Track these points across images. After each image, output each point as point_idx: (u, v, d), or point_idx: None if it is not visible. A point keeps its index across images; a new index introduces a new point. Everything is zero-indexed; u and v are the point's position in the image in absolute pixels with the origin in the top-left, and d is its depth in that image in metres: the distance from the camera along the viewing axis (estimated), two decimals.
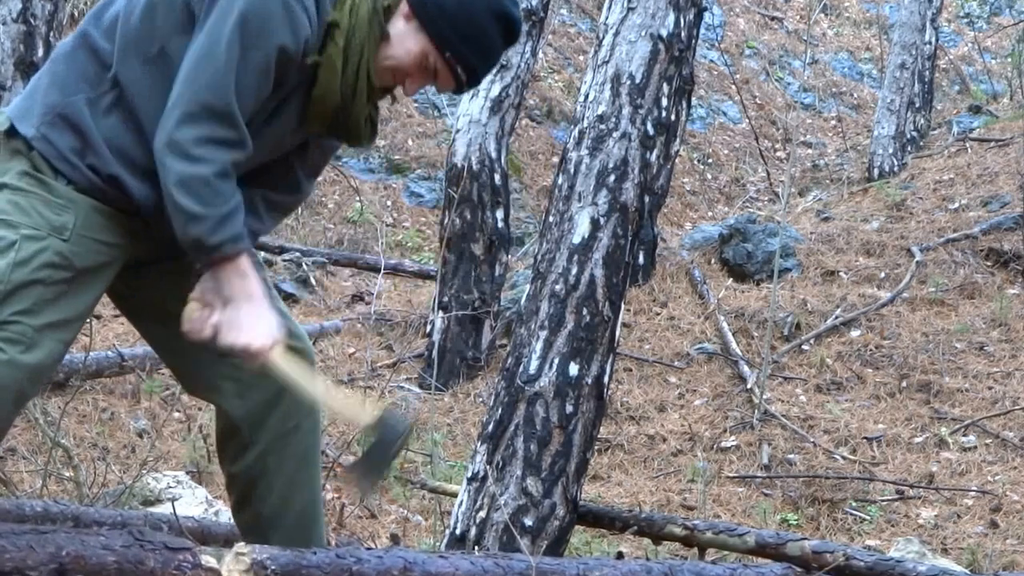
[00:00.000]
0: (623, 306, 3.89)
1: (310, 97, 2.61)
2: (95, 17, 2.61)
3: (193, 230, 2.46)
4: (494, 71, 7.24)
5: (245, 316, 2.53)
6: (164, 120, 2.45)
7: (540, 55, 11.53)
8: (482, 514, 3.68)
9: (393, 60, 2.62)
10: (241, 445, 2.79)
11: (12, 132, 2.55)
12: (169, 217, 2.54)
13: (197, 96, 2.43)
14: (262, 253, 8.91)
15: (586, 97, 3.91)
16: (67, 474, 4.57)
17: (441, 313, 7.19)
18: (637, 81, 3.86)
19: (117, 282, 2.67)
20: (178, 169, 2.43)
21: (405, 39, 2.61)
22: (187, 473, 4.92)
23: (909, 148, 11.97)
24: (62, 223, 2.50)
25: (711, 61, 14.71)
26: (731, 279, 8.50)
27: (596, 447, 4.50)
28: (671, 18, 3.92)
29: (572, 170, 3.85)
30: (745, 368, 7.04)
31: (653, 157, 3.94)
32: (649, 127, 3.87)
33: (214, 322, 2.55)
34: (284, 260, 8.74)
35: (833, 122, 14.54)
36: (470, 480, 3.77)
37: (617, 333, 3.84)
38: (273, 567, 2.48)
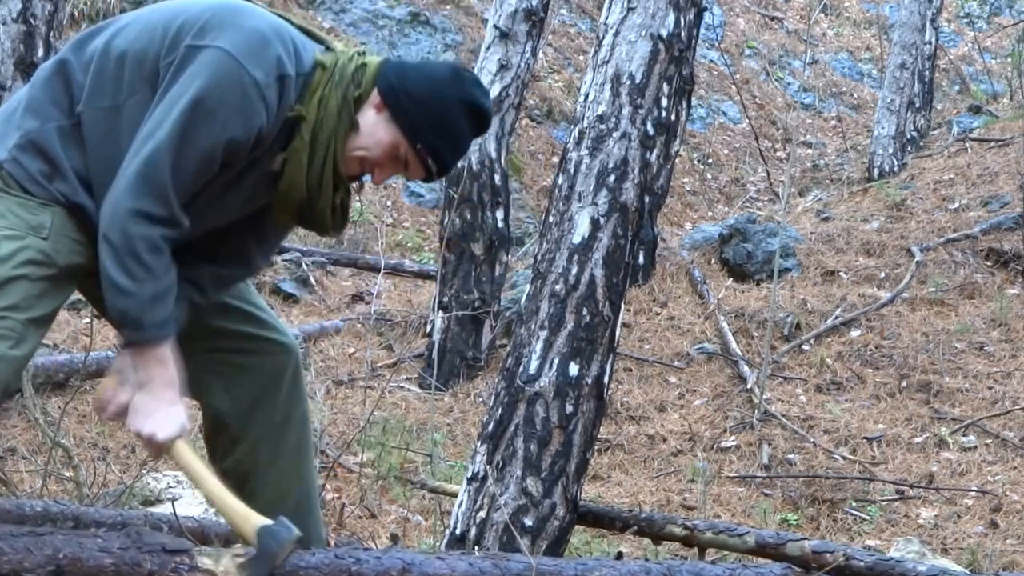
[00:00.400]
0: (623, 306, 3.88)
1: (269, 182, 2.61)
2: (77, 47, 2.63)
3: (120, 304, 2.49)
4: (494, 71, 7.25)
5: (155, 404, 2.54)
6: (113, 187, 2.48)
7: (540, 55, 11.53)
8: (482, 514, 3.68)
9: (363, 151, 2.62)
10: (230, 440, 2.79)
11: None
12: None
13: (139, 168, 2.45)
14: None
15: (586, 97, 3.91)
16: (67, 474, 4.56)
17: (441, 313, 7.19)
18: (637, 81, 3.86)
19: (94, 286, 2.67)
20: (113, 241, 2.46)
21: (376, 130, 2.60)
22: None
23: (909, 148, 11.97)
24: (39, 222, 2.52)
25: (711, 61, 14.71)
26: (731, 279, 8.49)
27: (596, 447, 4.50)
28: (671, 18, 3.91)
29: (572, 170, 3.84)
30: (745, 368, 7.03)
31: (653, 157, 3.94)
32: (649, 127, 3.87)
33: (123, 402, 2.57)
34: (284, 260, 8.74)
35: (833, 122, 14.53)
36: (470, 480, 3.77)
37: (617, 333, 3.83)
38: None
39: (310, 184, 2.60)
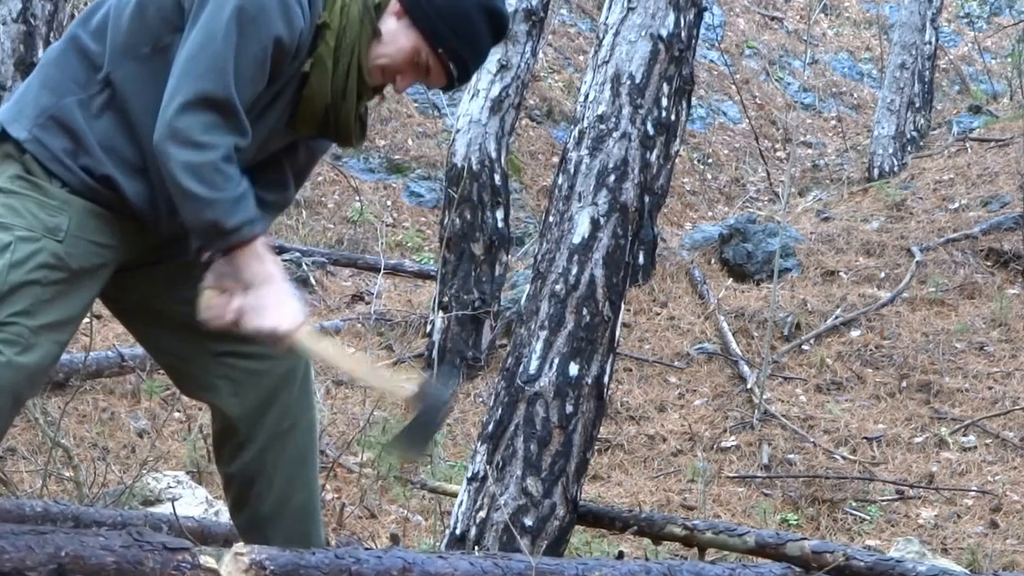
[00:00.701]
0: (623, 306, 3.89)
1: (300, 96, 2.61)
2: (84, 20, 2.61)
3: (208, 215, 2.45)
4: (494, 71, 7.25)
5: (268, 299, 2.51)
6: (163, 112, 2.43)
7: (540, 55, 11.52)
8: (482, 514, 3.68)
9: (385, 58, 2.63)
10: (237, 444, 2.79)
11: (3, 136, 2.55)
12: (163, 215, 2.54)
13: (196, 85, 2.42)
14: None
15: (586, 97, 3.91)
16: (67, 474, 4.57)
17: (441, 313, 7.19)
18: (637, 81, 3.86)
19: (108, 284, 2.66)
20: (184, 157, 2.42)
21: (397, 36, 2.62)
22: (187, 473, 4.92)
23: (909, 148, 11.97)
24: (56, 224, 2.49)
25: (711, 61, 14.71)
26: (731, 279, 8.50)
27: (596, 447, 4.50)
28: (671, 18, 3.92)
29: (572, 170, 3.85)
30: (745, 368, 7.03)
31: (653, 157, 3.94)
32: (649, 127, 3.87)
33: (236, 307, 2.53)
34: (284, 260, 8.73)
35: (833, 122, 14.53)
36: (470, 480, 3.77)
37: (617, 333, 3.84)
38: (272, 567, 2.48)
39: (335, 90, 2.61)
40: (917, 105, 12.27)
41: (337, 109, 2.63)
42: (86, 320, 6.27)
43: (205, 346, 2.70)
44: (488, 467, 3.70)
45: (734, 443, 6.29)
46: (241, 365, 2.74)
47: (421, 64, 2.64)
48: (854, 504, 5.62)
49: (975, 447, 6.17)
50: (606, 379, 3.81)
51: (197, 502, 4.47)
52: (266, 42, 2.47)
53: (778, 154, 13.67)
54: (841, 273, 8.46)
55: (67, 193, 2.52)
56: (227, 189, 2.44)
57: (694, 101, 11.29)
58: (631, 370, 7.20)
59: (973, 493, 5.66)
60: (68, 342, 2.57)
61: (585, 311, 3.75)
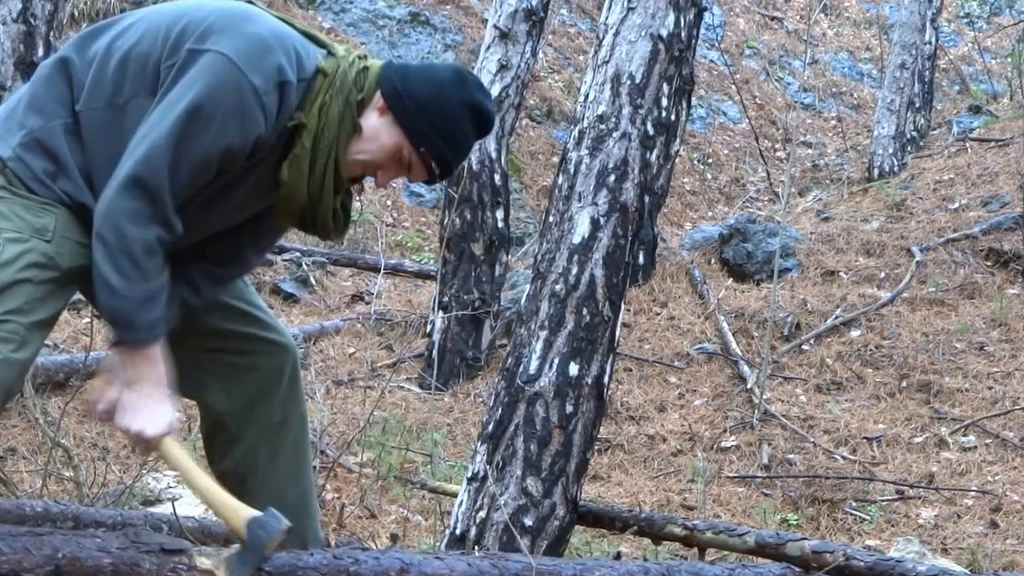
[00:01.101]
0: (623, 306, 3.88)
1: (264, 188, 2.62)
2: (80, 45, 2.63)
3: (112, 304, 2.50)
4: (494, 71, 7.25)
5: (143, 402, 2.54)
6: (107, 187, 2.48)
7: (540, 55, 11.52)
8: (482, 514, 3.68)
9: (366, 154, 2.62)
10: (228, 441, 2.79)
11: None
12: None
13: (134, 169, 2.45)
14: None
15: (586, 97, 3.91)
16: (67, 474, 4.57)
17: (441, 313, 7.19)
18: (637, 81, 3.86)
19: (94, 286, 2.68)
20: (109, 239, 2.46)
21: (379, 133, 2.61)
22: None
23: (909, 148, 11.97)
24: (43, 224, 2.52)
25: (711, 61, 14.71)
26: (731, 279, 8.49)
27: (596, 447, 4.50)
28: (671, 18, 3.91)
29: (572, 170, 3.84)
30: (745, 368, 7.03)
31: (653, 157, 3.94)
32: (649, 127, 3.87)
33: (112, 400, 2.57)
34: (284, 260, 8.74)
35: (833, 122, 14.53)
36: (470, 480, 3.76)
37: (617, 333, 3.83)
38: (269, 568, 2.48)
39: (312, 191, 2.61)
40: (917, 105, 12.27)
41: (315, 208, 2.64)
42: (86, 320, 6.27)
43: (193, 344, 2.72)
44: (488, 467, 3.70)
45: (734, 443, 6.28)
46: (230, 361, 2.76)
47: (403, 160, 2.63)
48: (854, 504, 5.62)
49: (975, 447, 6.17)
50: (606, 379, 3.81)
51: (197, 502, 4.46)
52: (213, 146, 2.48)
53: (778, 154, 13.67)
54: (841, 273, 8.45)
55: (49, 202, 2.55)
56: (137, 286, 2.47)
57: (694, 101, 11.29)
58: (631, 370, 7.20)
59: (973, 493, 5.66)
60: (46, 339, 2.61)
61: (585, 311, 3.75)
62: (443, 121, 2.59)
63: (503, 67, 7.24)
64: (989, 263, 8.49)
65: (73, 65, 2.59)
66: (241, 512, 2.53)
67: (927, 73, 12.52)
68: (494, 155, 7.28)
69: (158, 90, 2.50)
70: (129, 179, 2.45)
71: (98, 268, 2.47)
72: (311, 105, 2.57)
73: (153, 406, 2.55)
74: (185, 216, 2.54)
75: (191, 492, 2.70)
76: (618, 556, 3.62)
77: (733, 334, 7.49)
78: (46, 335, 2.55)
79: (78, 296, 2.78)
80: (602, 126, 3.84)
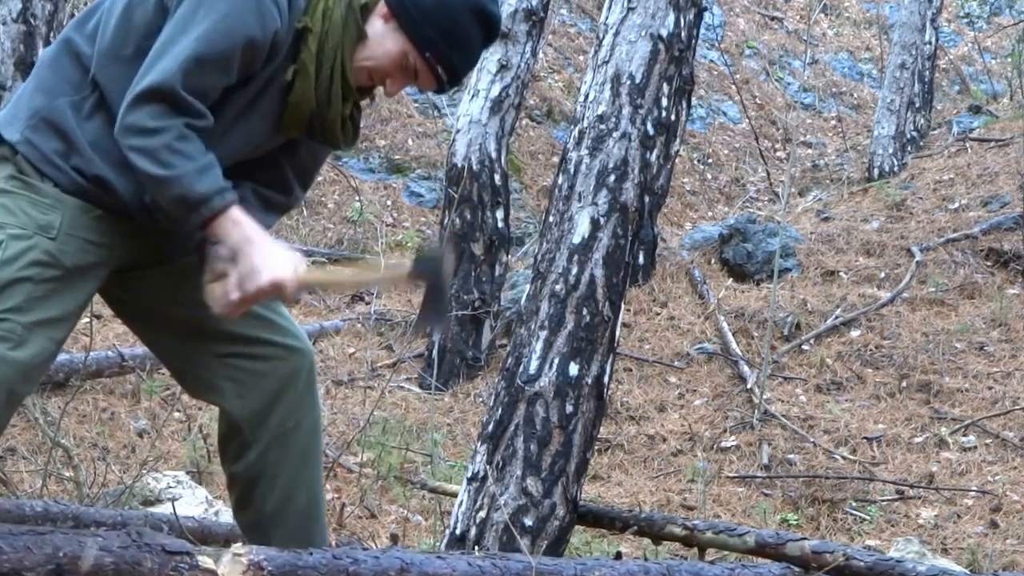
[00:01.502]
0: (623, 306, 3.89)
1: (286, 102, 2.60)
2: (79, 24, 2.62)
3: (173, 191, 2.45)
4: (494, 71, 7.25)
5: (256, 259, 2.50)
6: (120, 110, 2.46)
7: (540, 55, 11.52)
8: (482, 514, 3.68)
9: (371, 61, 2.60)
10: (242, 444, 2.79)
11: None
12: (154, 211, 2.54)
13: (146, 81, 2.43)
14: None
15: (586, 97, 3.91)
16: (67, 474, 4.57)
17: None
18: (637, 81, 3.86)
19: (112, 286, 2.68)
20: (138, 144, 2.43)
21: (384, 39, 2.59)
22: (187, 473, 4.92)
23: (909, 148, 11.96)
24: (48, 222, 2.50)
25: (711, 61, 14.70)
26: (731, 279, 8.49)
27: (596, 447, 4.50)
28: (671, 18, 3.91)
29: (572, 170, 3.85)
30: (745, 368, 7.03)
31: (653, 157, 3.94)
32: (649, 127, 3.87)
33: (234, 282, 2.52)
34: None
35: (833, 122, 14.53)
36: (470, 480, 3.77)
37: (617, 333, 3.84)
38: (270, 568, 2.48)
39: (319, 95, 2.59)
40: (917, 105, 12.27)
41: (323, 114, 2.62)
42: (85, 320, 6.28)
43: (209, 348, 2.71)
44: (488, 467, 3.70)
45: (734, 443, 6.28)
46: (245, 366, 2.74)
47: (409, 67, 2.61)
48: (854, 504, 5.62)
49: (975, 447, 6.17)
50: (606, 379, 3.81)
51: (197, 502, 4.47)
52: (236, 40, 2.46)
53: (778, 154, 13.66)
54: (841, 273, 8.45)
55: (60, 192, 2.53)
56: (184, 165, 2.43)
57: (694, 101, 11.29)
58: (631, 370, 7.20)
59: (973, 493, 5.66)
60: (64, 339, 2.57)
61: (585, 311, 3.75)
62: (448, 25, 2.56)
63: (503, 67, 7.24)
64: (989, 263, 8.49)
65: (76, 43, 2.58)
66: (401, 265, 2.61)
67: (927, 73, 12.52)
68: (494, 155, 7.28)
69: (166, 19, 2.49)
70: (143, 90, 2.43)
71: (141, 170, 2.44)
72: (315, 8, 2.55)
73: (269, 254, 2.50)
74: (218, 133, 2.52)
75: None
76: (618, 556, 3.62)
77: (733, 334, 7.49)
78: (57, 336, 2.51)
79: None
80: (602, 126, 3.84)
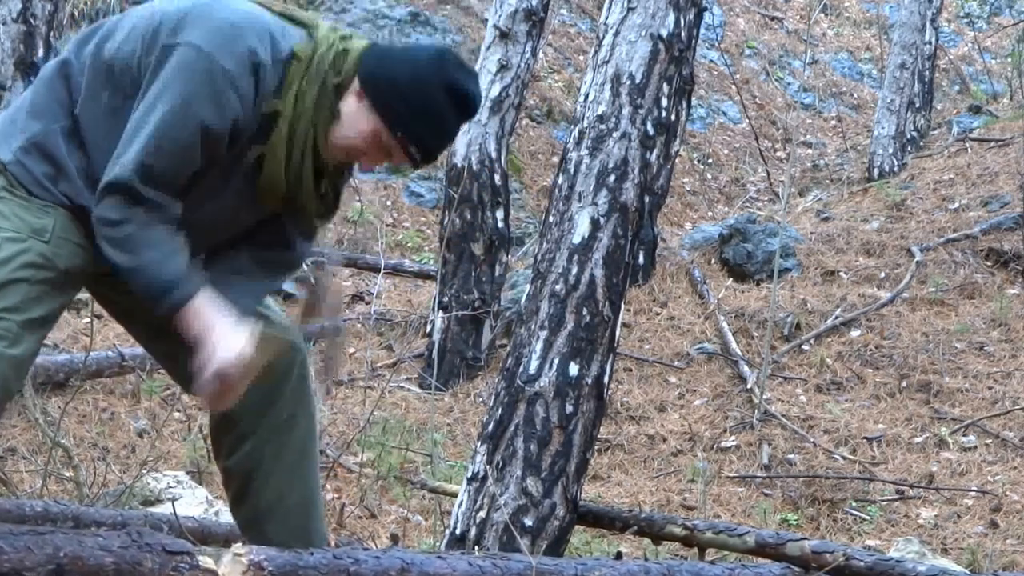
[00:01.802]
0: (623, 306, 3.89)
1: (258, 183, 2.62)
2: (78, 46, 2.64)
3: (140, 279, 2.51)
4: (494, 71, 7.25)
5: (212, 346, 2.53)
6: (102, 182, 2.51)
7: (540, 55, 11.52)
8: (482, 514, 3.68)
9: (346, 140, 2.59)
10: (237, 438, 2.79)
11: None
12: None
13: (109, 175, 2.49)
14: None
15: (586, 97, 3.91)
16: (67, 474, 4.57)
17: (441, 313, 7.19)
18: (637, 81, 3.86)
19: (103, 288, 2.71)
20: (106, 235, 2.50)
21: (357, 118, 2.57)
22: (187, 473, 4.92)
23: (909, 148, 11.96)
24: (42, 226, 2.54)
25: (711, 61, 14.70)
26: (731, 279, 8.49)
27: (596, 447, 4.50)
28: (671, 18, 3.91)
29: (572, 170, 3.85)
30: (745, 368, 7.03)
31: (653, 157, 3.94)
32: (649, 127, 3.87)
33: (203, 371, 2.55)
34: None
35: (833, 122, 14.52)
36: (470, 480, 3.77)
37: (617, 333, 3.84)
38: (270, 568, 2.48)
39: (290, 178, 2.59)
40: (917, 105, 12.26)
41: (294, 195, 2.62)
42: (86, 320, 6.27)
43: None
44: (488, 467, 3.70)
45: (734, 443, 6.28)
46: (240, 379, 2.75)
47: (383, 146, 2.59)
48: (854, 504, 5.62)
49: (975, 447, 6.17)
50: (606, 379, 3.81)
51: (197, 502, 4.47)
52: (192, 130, 2.48)
53: (778, 154, 13.66)
54: (841, 273, 8.45)
55: (49, 205, 2.58)
56: (147, 254, 2.49)
57: (694, 101, 11.28)
58: (631, 370, 7.19)
59: (973, 493, 5.66)
60: (45, 337, 2.62)
61: (585, 311, 3.75)
62: (421, 105, 2.54)
63: (503, 67, 7.24)
64: (989, 263, 8.48)
65: (71, 67, 2.61)
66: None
67: (927, 73, 12.51)
68: (494, 155, 7.27)
69: (137, 88, 2.52)
70: (106, 185, 2.49)
71: (113, 262, 2.51)
72: (287, 91, 2.54)
73: (219, 341, 2.52)
74: (190, 210, 2.55)
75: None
76: (618, 556, 3.62)
77: (733, 334, 7.49)
78: (43, 334, 2.57)
79: (78, 296, 2.78)
80: (602, 126, 3.84)
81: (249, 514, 2.83)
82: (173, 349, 2.72)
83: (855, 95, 15.32)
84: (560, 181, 3.88)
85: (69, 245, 2.56)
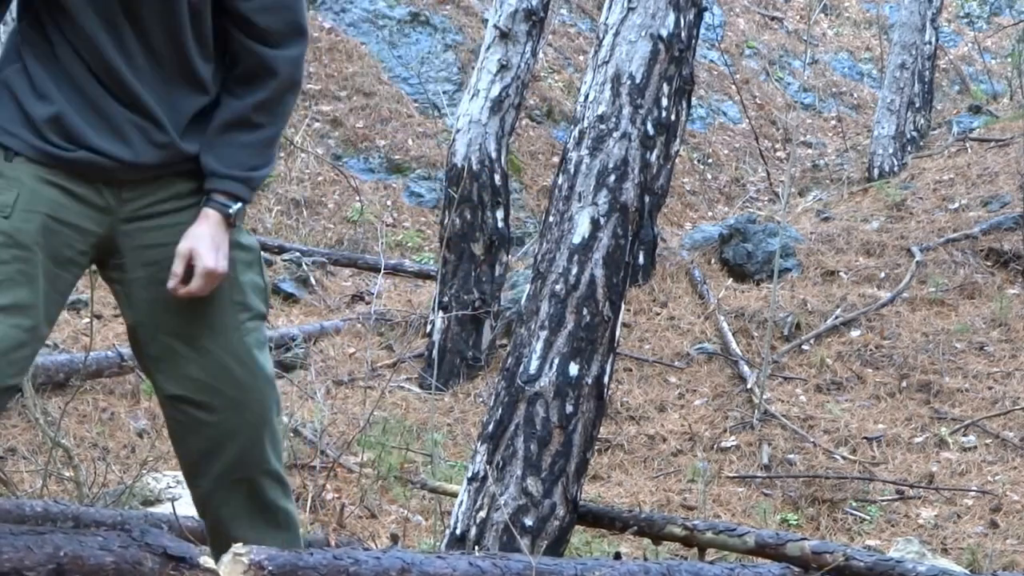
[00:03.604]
0: (623, 306, 3.89)
1: None
2: None
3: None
4: (494, 71, 7.25)
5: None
6: None
7: (540, 55, 11.53)
8: (482, 514, 3.68)
9: None
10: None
11: None
12: (131, 144, 2.48)
13: None
14: (264, 254, 8.92)
15: (586, 97, 3.91)
16: (67, 474, 4.57)
17: (441, 313, 7.19)
18: (637, 81, 3.86)
19: (107, 269, 2.57)
20: None
21: None
22: None
23: (909, 148, 11.96)
24: (2, 201, 2.39)
25: (711, 61, 14.71)
26: (731, 279, 8.49)
27: (596, 447, 4.50)
28: (671, 18, 3.92)
29: (572, 170, 3.85)
30: (745, 368, 7.03)
31: (653, 157, 3.94)
32: (649, 127, 3.87)
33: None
34: (284, 260, 8.75)
35: (833, 122, 14.53)
36: (470, 480, 3.77)
37: (617, 333, 3.84)
38: (271, 568, 2.48)
39: None
40: (917, 105, 12.27)
41: None
42: (86, 320, 6.27)
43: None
44: (488, 467, 3.70)
45: (734, 443, 6.29)
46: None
47: None
48: (854, 504, 5.62)
49: (975, 447, 6.17)
50: (606, 379, 3.82)
51: None
52: None
53: (778, 154, 13.67)
54: (841, 273, 8.45)
55: (20, 164, 2.43)
56: None
57: (694, 101, 11.29)
58: (631, 370, 7.20)
59: (973, 493, 5.66)
60: (35, 327, 2.41)
61: (585, 311, 3.75)
62: None
63: (503, 67, 7.24)
64: (989, 263, 8.48)
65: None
66: None
67: (927, 73, 12.52)
68: (494, 155, 7.28)
69: None
70: None
71: None
72: None
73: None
74: None
75: None
76: (618, 556, 3.62)
77: (733, 334, 7.49)
78: (23, 323, 2.37)
79: (77, 296, 2.72)
80: (602, 126, 3.84)
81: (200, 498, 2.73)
82: (167, 348, 2.61)
83: (855, 95, 15.33)
84: (560, 181, 3.88)
85: (38, 218, 2.40)
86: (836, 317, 7.63)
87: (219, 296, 2.57)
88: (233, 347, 2.60)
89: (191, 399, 2.59)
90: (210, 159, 2.55)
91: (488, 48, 7.36)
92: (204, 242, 2.50)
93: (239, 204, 2.55)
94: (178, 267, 2.50)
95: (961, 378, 6.92)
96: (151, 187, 2.55)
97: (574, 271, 3.76)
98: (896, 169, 11.57)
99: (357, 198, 10.44)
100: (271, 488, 2.68)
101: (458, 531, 3.71)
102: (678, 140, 8.88)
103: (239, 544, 2.53)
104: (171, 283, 2.51)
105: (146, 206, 2.55)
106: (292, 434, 5.47)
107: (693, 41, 8.43)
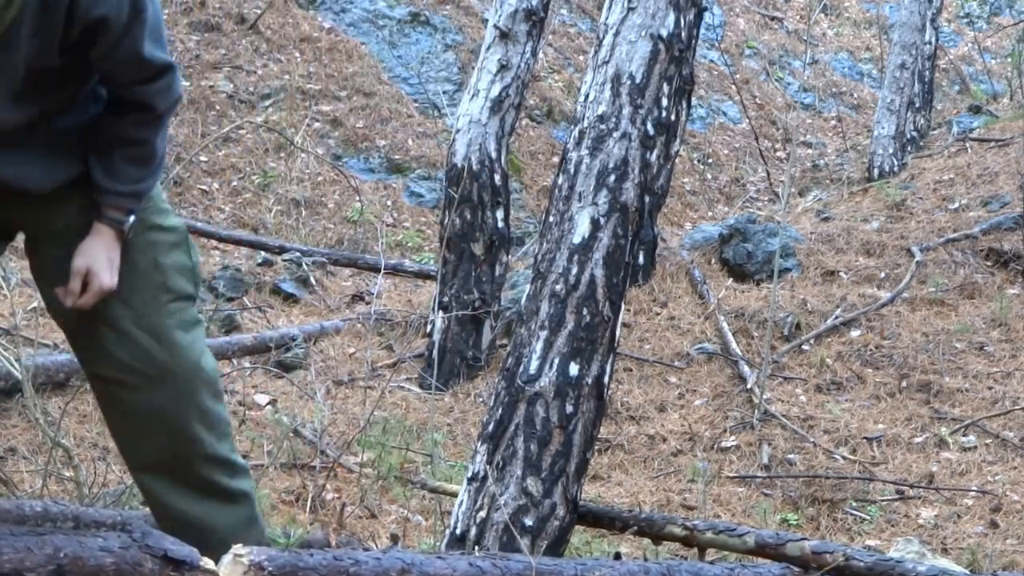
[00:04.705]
0: (623, 306, 3.89)
1: None
2: None
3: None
4: (494, 71, 7.24)
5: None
6: None
7: (540, 55, 11.52)
8: (482, 514, 3.68)
9: None
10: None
11: None
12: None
13: None
14: (263, 254, 8.94)
15: (586, 97, 3.91)
16: (67, 474, 4.56)
17: (441, 313, 7.19)
18: (637, 81, 3.86)
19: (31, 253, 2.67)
20: None
21: None
22: None
23: (909, 148, 11.96)
24: None
25: (711, 61, 14.71)
26: (731, 279, 8.49)
27: (596, 447, 4.50)
28: (671, 18, 3.91)
29: (572, 170, 3.85)
30: (745, 368, 7.03)
31: (653, 157, 3.94)
32: (649, 127, 3.87)
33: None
34: (284, 260, 8.75)
35: (833, 122, 14.53)
36: (470, 480, 3.77)
37: (617, 333, 3.84)
38: (271, 568, 2.48)
39: None
40: (917, 105, 12.27)
41: None
42: None
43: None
44: (488, 467, 3.70)
45: (734, 443, 6.28)
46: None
47: None
48: (854, 504, 5.62)
49: (975, 447, 6.17)
50: (606, 379, 3.81)
51: None
52: None
53: (778, 154, 13.67)
54: (841, 273, 8.45)
55: None
56: None
57: (694, 101, 11.29)
58: (631, 370, 7.20)
59: (973, 493, 5.65)
60: None
61: (585, 311, 3.75)
62: None
63: (503, 67, 7.23)
64: (989, 263, 8.48)
65: None
66: None
67: (927, 73, 12.52)
68: (494, 155, 7.28)
69: None
70: None
71: None
72: None
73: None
74: None
75: None
76: (618, 556, 3.62)
77: (733, 334, 7.49)
78: None
79: None
80: (602, 126, 3.84)
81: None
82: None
83: (855, 95, 15.33)
84: (560, 181, 3.88)
85: None
86: (836, 317, 7.63)
87: (140, 278, 2.65)
88: (153, 328, 2.67)
89: (113, 378, 2.71)
90: (99, 175, 2.60)
91: (488, 48, 7.36)
92: (100, 261, 2.59)
93: (132, 217, 2.61)
94: (75, 284, 2.60)
95: (961, 378, 6.92)
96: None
97: (574, 271, 3.76)
98: (896, 169, 11.57)
99: (357, 198, 10.43)
100: (212, 472, 2.75)
101: (458, 531, 3.71)
102: (678, 140, 8.88)
103: (239, 545, 2.53)
104: (69, 301, 2.61)
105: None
106: (292, 434, 5.47)
107: (693, 41, 8.43)
